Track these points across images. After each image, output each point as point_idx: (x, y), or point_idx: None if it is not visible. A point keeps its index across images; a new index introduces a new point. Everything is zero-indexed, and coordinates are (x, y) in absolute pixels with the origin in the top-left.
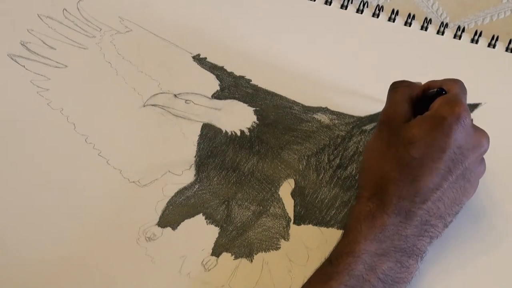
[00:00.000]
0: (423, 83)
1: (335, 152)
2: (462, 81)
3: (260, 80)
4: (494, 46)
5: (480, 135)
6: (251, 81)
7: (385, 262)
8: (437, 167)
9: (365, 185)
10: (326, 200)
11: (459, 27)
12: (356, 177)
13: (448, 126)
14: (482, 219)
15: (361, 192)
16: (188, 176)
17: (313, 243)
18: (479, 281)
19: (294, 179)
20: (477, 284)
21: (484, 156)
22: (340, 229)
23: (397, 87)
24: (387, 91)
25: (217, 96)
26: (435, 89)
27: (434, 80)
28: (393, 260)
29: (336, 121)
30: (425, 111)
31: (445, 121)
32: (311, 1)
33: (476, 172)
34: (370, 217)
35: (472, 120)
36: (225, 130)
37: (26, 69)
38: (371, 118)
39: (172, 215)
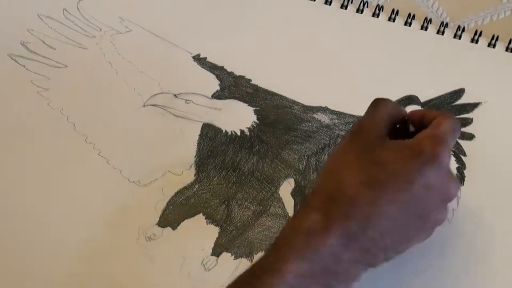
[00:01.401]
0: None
1: None
2: (463, 81)
3: (260, 80)
4: (494, 46)
5: (452, 182)
6: (251, 81)
7: (312, 284)
8: (397, 198)
9: (318, 191)
10: None
11: (459, 27)
12: None
13: (422, 161)
14: (482, 218)
15: (310, 199)
16: (188, 176)
17: None
18: None
19: (294, 179)
20: None
21: (484, 157)
22: None
23: (379, 104)
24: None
25: (217, 96)
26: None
27: (429, 111)
28: (320, 283)
29: (336, 121)
30: (399, 136)
31: (422, 155)
32: (311, 1)
33: (435, 219)
34: (308, 232)
35: (448, 163)
36: (225, 130)
37: (26, 69)
38: None
39: (172, 215)
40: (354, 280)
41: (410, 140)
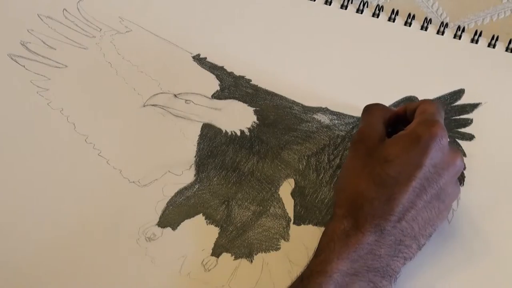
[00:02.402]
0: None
1: (335, 152)
2: (463, 81)
3: (260, 80)
4: (494, 46)
5: (455, 154)
6: (251, 81)
7: (357, 282)
8: (412, 185)
9: (341, 204)
10: (326, 200)
11: (459, 27)
12: None
13: (424, 145)
14: (482, 218)
15: (336, 210)
16: (188, 176)
17: (313, 243)
18: None
19: (294, 179)
20: None
21: (484, 157)
22: None
23: (371, 109)
24: (362, 111)
25: (217, 96)
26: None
27: (410, 103)
28: (365, 280)
29: (336, 121)
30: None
31: (421, 139)
32: (311, 1)
33: (450, 193)
34: (344, 236)
35: (448, 140)
36: (225, 130)
37: (26, 69)
38: None
39: (172, 215)
40: (395, 275)
41: (405, 130)
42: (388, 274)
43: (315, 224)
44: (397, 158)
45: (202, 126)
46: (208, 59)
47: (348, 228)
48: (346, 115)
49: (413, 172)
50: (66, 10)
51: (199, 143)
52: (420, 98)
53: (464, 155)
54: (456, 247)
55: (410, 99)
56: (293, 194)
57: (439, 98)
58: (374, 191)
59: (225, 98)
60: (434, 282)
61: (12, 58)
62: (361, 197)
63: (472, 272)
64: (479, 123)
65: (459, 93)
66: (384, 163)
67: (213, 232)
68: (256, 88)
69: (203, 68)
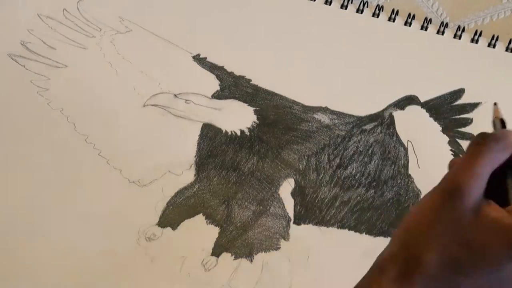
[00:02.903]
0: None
1: (335, 151)
2: (463, 81)
3: (260, 80)
4: (494, 46)
5: None
6: (251, 81)
7: None
8: (480, 284)
9: (396, 257)
10: (326, 200)
11: (459, 27)
12: (356, 177)
13: None
14: None
15: (388, 265)
16: (188, 176)
17: (313, 243)
18: None
19: (294, 179)
20: None
21: None
22: (340, 229)
23: (485, 148)
24: (469, 144)
25: (217, 96)
26: None
27: None
28: None
29: (336, 121)
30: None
31: None
32: (311, 1)
33: None
34: None
35: None
36: (225, 130)
37: (26, 69)
38: (371, 117)
39: (172, 215)
40: None
41: (505, 217)
42: None
43: (315, 224)
44: (482, 248)
45: (202, 126)
46: (208, 59)
47: None
48: (346, 114)
49: (489, 272)
50: (66, 10)
51: (199, 143)
52: (420, 98)
53: None
54: None
55: (410, 99)
56: (293, 194)
57: (439, 98)
58: (438, 271)
59: (225, 98)
60: None
61: (12, 58)
62: (421, 269)
63: None
64: (479, 122)
65: (459, 92)
66: (464, 246)
67: (213, 232)
68: (256, 88)
69: (203, 68)
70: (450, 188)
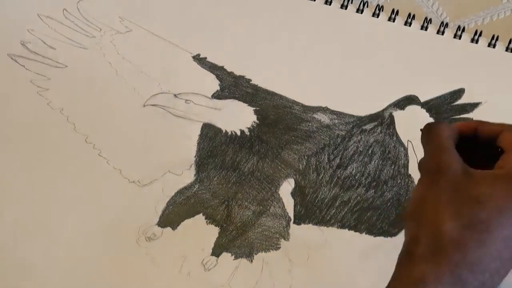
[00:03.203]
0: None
1: (335, 151)
2: (463, 81)
3: (260, 80)
4: (494, 46)
5: None
6: (251, 81)
7: None
8: (504, 235)
9: (419, 240)
10: (326, 200)
11: (459, 27)
12: (356, 177)
13: None
14: None
15: (412, 247)
16: (188, 176)
17: (313, 243)
18: None
19: (294, 179)
20: None
21: None
22: (340, 228)
23: (437, 130)
24: (422, 132)
25: (217, 96)
26: (496, 146)
27: (484, 123)
28: None
29: (336, 120)
30: (465, 154)
31: None
32: (311, 1)
33: None
34: (421, 285)
35: None
36: (225, 130)
37: (26, 69)
38: (371, 117)
39: (172, 215)
40: None
41: (501, 170)
42: None
43: (315, 224)
44: (491, 201)
45: (202, 126)
46: (208, 59)
47: (428, 276)
48: (346, 114)
49: (508, 220)
50: (66, 10)
51: (199, 143)
52: (420, 98)
53: None
54: None
55: (410, 99)
56: (293, 194)
57: (439, 98)
58: (461, 235)
59: (225, 98)
60: None
61: (12, 58)
62: (445, 239)
63: None
64: None
65: (459, 92)
66: (474, 204)
67: (213, 232)
68: (256, 88)
69: (203, 68)
70: (433, 166)
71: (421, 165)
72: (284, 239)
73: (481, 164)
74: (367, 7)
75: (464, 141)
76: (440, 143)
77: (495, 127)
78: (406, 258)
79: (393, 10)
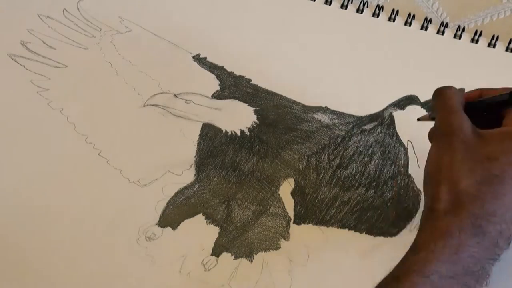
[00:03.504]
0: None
1: (335, 151)
2: (463, 81)
3: (260, 80)
4: (494, 46)
5: None
6: (251, 81)
7: (453, 285)
8: None
9: (440, 197)
10: (326, 200)
11: (459, 27)
12: (356, 177)
13: None
14: None
15: (434, 204)
16: (188, 176)
17: (313, 243)
18: None
19: (294, 179)
20: None
21: None
22: (340, 228)
23: (448, 94)
24: (432, 97)
25: (217, 96)
26: (506, 94)
27: (489, 89)
28: (461, 283)
29: (336, 120)
30: (472, 118)
31: None
32: (311, 1)
33: None
34: (446, 236)
35: None
36: (225, 130)
37: (26, 69)
38: (371, 117)
39: (172, 215)
40: (487, 277)
41: (504, 128)
42: (482, 277)
43: (315, 224)
44: (503, 156)
45: (202, 126)
46: (208, 59)
47: (451, 227)
48: (346, 114)
49: None
50: (66, 10)
51: (199, 143)
52: (420, 98)
53: None
54: None
55: (410, 99)
56: (293, 193)
57: None
58: (477, 190)
59: (225, 98)
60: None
61: (12, 58)
62: (463, 195)
63: None
64: None
65: None
66: (486, 160)
67: (213, 232)
68: (256, 88)
69: (203, 68)
70: (445, 129)
71: (434, 130)
72: (284, 239)
73: (486, 127)
74: (367, 7)
75: (469, 107)
76: (451, 107)
77: (499, 90)
78: (429, 214)
79: (393, 10)
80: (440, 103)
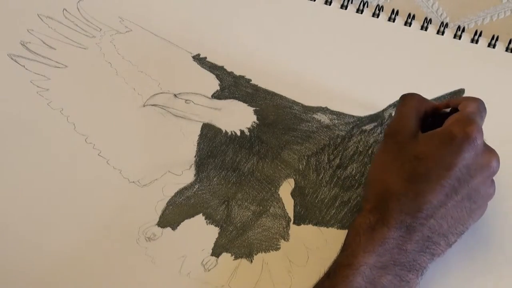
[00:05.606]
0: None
1: (335, 152)
2: (463, 81)
3: (260, 80)
4: (494, 46)
5: (490, 156)
6: (251, 81)
7: (385, 275)
8: (442, 185)
9: (368, 198)
10: (326, 200)
11: (459, 27)
12: (356, 177)
13: (457, 145)
14: (482, 218)
15: (364, 204)
16: (188, 176)
17: (313, 243)
18: None
19: (294, 179)
20: None
21: None
22: (340, 229)
23: (405, 100)
24: (398, 100)
25: (217, 96)
26: (449, 109)
27: (453, 99)
28: (392, 274)
29: (336, 121)
30: (435, 128)
31: (455, 139)
32: (311, 1)
33: (484, 194)
34: (370, 230)
35: (484, 141)
36: (225, 130)
37: (26, 69)
38: (371, 118)
39: (172, 215)
40: (422, 270)
41: (440, 128)
42: (415, 269)
43: (315, 224)
44: (429, 156)
45: (202, 126)
46: (208, 59)
47: (374, 222)
48: (346, 114)
49: (444, 171)
50: (66, 10)
51: (199, 143)
52: None
53: None
54: (456, 246)
55: None
56: (293, 194)
57: (439, 98)
58: (402, 187)
59: (225, 98)
60: (465, 281)
61: (12, 58)
62: (389, 192)
63: (472, 273)
64: None
65: (459, 93)
66: (414, 160)
67: (213, 232)
68: (256, 88)
69: (203, 68)
70: (389, 131)
71: (384, 130)
72: (284, 239)
73: None
74: (367, 7)
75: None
76: (402, 111)
77: (459, 99)
78: (358, 214)
79: (393, 10)
80: (397, 107)
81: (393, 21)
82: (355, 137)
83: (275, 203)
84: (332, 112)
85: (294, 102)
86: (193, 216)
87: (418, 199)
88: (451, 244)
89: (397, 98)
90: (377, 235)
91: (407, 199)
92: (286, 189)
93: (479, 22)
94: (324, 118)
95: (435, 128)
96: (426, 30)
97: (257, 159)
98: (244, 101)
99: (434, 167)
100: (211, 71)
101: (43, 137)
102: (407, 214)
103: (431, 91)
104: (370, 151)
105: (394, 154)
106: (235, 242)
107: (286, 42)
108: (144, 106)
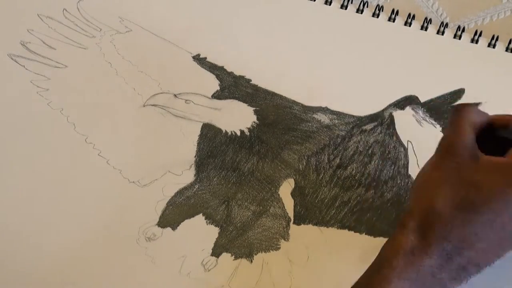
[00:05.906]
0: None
1: (335, 152)
2: (463, 81)
3: (260, 80)
4: (494, 46)
5: None
6: (251, 81)
7: None
8: (493, 220)
9: (413, 213)
10: (326, 200)
11: (459, 27)
12: (356, 177)
13: None
14: None
15: (407, 218)
16: (188, 176)
17: (313, 243)
18: None
19: (294, 179)
20: None
21: None
22: (340, 229)
23: (461, 112)
24: (451, 113)
25: (217, 96)
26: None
27: None
28: None
29: (336, 121)
30: (486, 143)
31: None
32: (311, 1)
33: None
34: (409, 254)
35: None
36: (225, 130)
37: (26, 69)
38: (371, 117)
39: (172, 215)
40: None
41: (505, 159)
42: None
43: (315, 224)
44: (486, 186)
45: (202, 126)
46: (208, 59)
47: (415, 245)
48: (346, 114)
49: (498, 208)
50: (66, 10)
51: (199, 143)
52: (420, 98)
53: None
54: None
55: (410, 99)
56: (293, 194)
57: (439, 98)
58: (451, 214)
59: (225, 98)
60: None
61: (12, 58)
62: (436, 214)
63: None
64: None
65: (459, 93)
66: (471, 187)
67: (213, 232)
68: (256, 88)
69: (203, 68)
70: (445, 146)
71: (439, 143)
72: (284, 239)
73: (501, 153)
74: (367, 7)
75: (496, 132)
76: (458, 125)
77: None
78: (398, 229)
79: (393, 10)
80: (451, 119)
81: (393, 21)
82: (355, 137)
83: (275, 203)
84: (332, 112)
85: (294, 102)
86: (193, 216)
87: (465, 229)
88: (480, 271)
89: (397, 97)
90: (415, 260)
91: (453, 227)
92: (286, 189)
93: (479, 22)
94: (324, 118)
95: (487, 142)
96: (426, 30)
97: (257, 159)
98: (244, 101)
99: (491, 202)
100: (211, 71)
101: (43, 137)
102: (450, 243)
103: (431, 91)
104: (370, 151)
105: (449, 173)
106: (235, 242)
107: (286, 42)
108: (144, 106)
